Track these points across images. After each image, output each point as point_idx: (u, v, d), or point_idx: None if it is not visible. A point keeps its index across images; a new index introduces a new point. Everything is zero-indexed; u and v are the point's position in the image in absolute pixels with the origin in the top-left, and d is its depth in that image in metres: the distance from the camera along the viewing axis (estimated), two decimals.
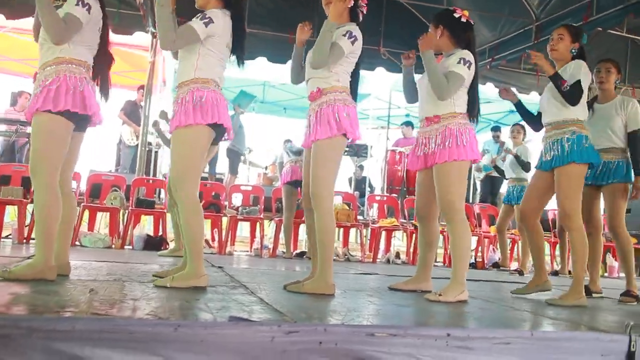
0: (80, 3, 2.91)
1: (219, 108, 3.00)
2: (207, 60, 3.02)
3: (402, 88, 3.77)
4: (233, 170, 9.32)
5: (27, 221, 6.11)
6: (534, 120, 3.97)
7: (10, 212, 7.21)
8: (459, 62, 3.33)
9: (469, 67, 3.34)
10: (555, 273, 6.83)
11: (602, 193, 4.23)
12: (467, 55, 3.37)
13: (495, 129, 9.30)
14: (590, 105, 4.22)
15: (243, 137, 9.39)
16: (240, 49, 3.17)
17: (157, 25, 3.00)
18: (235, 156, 9.31)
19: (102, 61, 3.14)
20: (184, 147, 3.00)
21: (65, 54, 2.93)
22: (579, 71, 3.59)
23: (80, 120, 2.99)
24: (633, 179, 4.09)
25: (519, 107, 4.02)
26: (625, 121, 4.15)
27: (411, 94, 3.70)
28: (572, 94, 3.54)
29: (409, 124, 9.83)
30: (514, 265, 7.34)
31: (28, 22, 6.32)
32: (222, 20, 3.02)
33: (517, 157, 6.86)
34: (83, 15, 2.90)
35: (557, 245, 7.31)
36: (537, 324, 2.77)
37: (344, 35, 3.17)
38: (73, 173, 3.33)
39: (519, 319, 2.85)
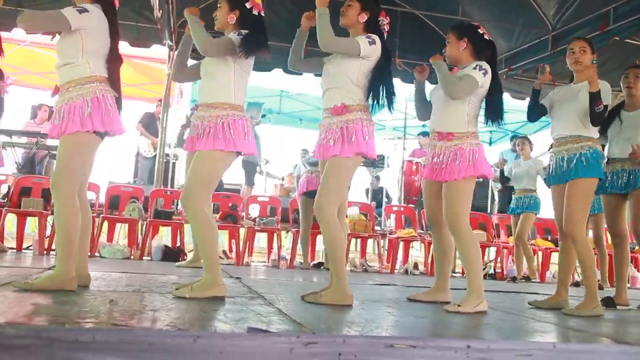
0: (73, 6, 2.96)
1: (248, 137, 3.08)
2: (240, 81, 3.10)
3: (414, 104, 3.78)
4: (249, 182, 9.34)
5: (48, 232, 6.18)
6: (538, 112, 3.96)
7: (31, 223, 7.31)
8: (474, 68, 3.34)
9: (484, 74, 3.33)
10: (576, 284, 6.74)
11: (628, 201, 4.16)
12: (484, 63, 3.37)
13: (515, 139, 9.25)
14: (617, 112, 4.19)
15: (259, 148, 9.42)
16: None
17: (194, 37, 3.08)
18: (251, 167, 9.34)
19: (112, 70, 3.13)
20: (206, 169, 3.04)
21: (87, 72, 2.96)
22: (607, 95, 3.59)
23: (103, 134, 3.06)
24: None
25: (536, 94, 4.00)
26: None
27: (423, 110, 3.73)
28: (600, 118, 3.57)
29: (425, 134, 9.79)
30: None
31: (47, 36, 6.44)
32: None
33: (501, 172, 7.05)
34: (72, 16, 2.89)
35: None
36: (560, 336, 2.73)
37: (364, 36, 3.20)
38: (88, 184, 3.38)
39: (540, 330, 2.81)
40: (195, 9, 3.18)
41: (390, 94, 3.30)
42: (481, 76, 3.33)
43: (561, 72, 5.74)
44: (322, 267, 6.70)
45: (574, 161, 3.60)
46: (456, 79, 3.33)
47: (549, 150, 3.91)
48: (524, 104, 9.08)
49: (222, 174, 3.25)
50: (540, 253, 7.49)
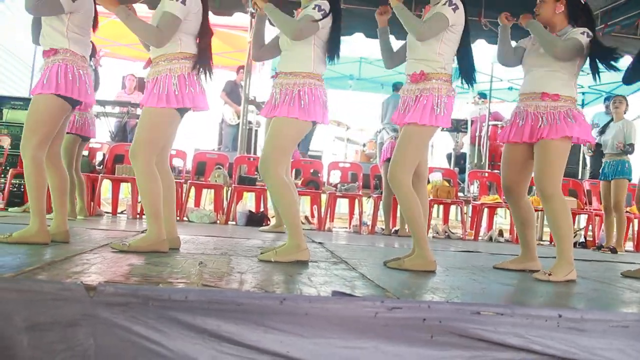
0: None
1: (324, 107, 3.09)
2: (320, 52, 3.09)
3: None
4: None
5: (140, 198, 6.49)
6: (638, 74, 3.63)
7: (125, 189, 7.69)
8: (582, 33, 3.14)
9: (587, 36, 3.14)
10: None
11: None
12: (587, 30, 3.17)
13: (609, 100, 8.72)
14: None
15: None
16: (336, 44, 3.15)
17: (278, 26, 3.10)
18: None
19: (204, 44, 3.17)
20: (283, 136, 3.06)
21: (178, 48, 3.03)
22: None
23: (184, 110, 3.12)
24: None
25: None
26: None
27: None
28: None
29: (483, 95, 9.52)
30: (628, 245, 6.91)
31: (136, 7, 6.62)
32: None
33: (596, 148, 6.60)
34: (180, 10, 2.96)
35: None
36: None
37: (445, 4, 3.06)
38: (169, 155, 3.52)
39: (636, 301, 2.67)
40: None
41: (472, 67, 3.22)
42: (587, 40, 3.14)
43: None
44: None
45: None
46: (559, 39, 3.13)
47: None
48: (621, 63, 8.52)
49: (298, 141, 3.26)
50: (635, 221, 7.10)
